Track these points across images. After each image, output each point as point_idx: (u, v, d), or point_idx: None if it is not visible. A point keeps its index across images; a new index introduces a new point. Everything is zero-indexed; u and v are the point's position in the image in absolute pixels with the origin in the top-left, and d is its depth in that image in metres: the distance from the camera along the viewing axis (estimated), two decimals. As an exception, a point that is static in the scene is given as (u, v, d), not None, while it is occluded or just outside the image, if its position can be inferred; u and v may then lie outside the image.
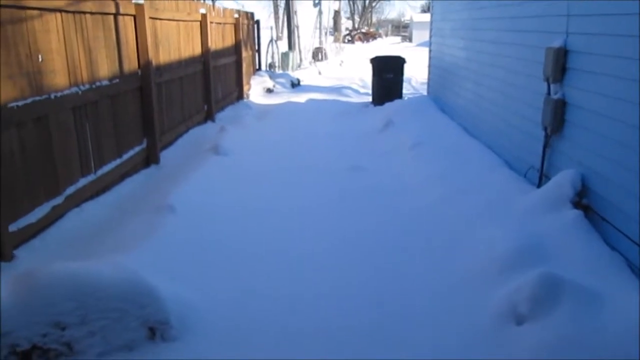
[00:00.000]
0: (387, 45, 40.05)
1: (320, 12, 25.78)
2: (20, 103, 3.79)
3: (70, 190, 4.47)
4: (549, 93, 4.73)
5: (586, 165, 4.13)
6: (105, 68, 5.16)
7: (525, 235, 3.75)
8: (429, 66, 10.98)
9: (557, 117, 4.55)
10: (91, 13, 4.84)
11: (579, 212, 3.91)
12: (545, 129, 4.76)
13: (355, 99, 13.22)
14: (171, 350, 2.86)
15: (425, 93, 11.65)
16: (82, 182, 4.67)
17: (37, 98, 4.01)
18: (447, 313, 3.27)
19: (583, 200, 4.05)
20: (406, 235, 4.47)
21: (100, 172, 5.00)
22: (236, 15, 11.51)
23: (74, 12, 4.54)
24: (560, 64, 4.53)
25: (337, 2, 37.40)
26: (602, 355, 2.49)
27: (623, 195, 3.59)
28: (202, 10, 8.74)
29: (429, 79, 11.11)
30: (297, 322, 3.20)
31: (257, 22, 15.27)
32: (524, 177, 5.28)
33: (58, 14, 4.30)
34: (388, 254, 4.13)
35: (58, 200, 4.26)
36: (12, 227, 3.70)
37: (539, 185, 4.86)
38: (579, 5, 4.34)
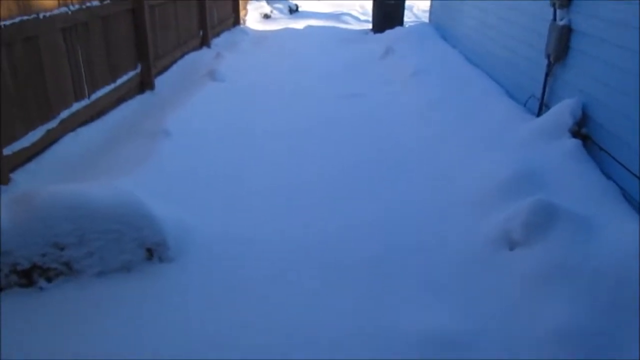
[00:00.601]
0: (389, -29, 38.57)
1: None
2: (7, 22, 3.66)
3: (65, 114, 4.41)
4: (554, 19, 4.59)
5: (588, 93, 4.06)
6: (95, -13, 4.95)
7: (522, 164, 3.74)
8: (432, -8, 10.62)
9: (562, 44, 4.43)
10: None
11: (577, 141, 3.89)
12: (548, 56, 4.64)
13: (355, 26, 12.86)
14: (168, 270, 2.91)
15: (427, 21, 11.32)
16: (76, 106, 4.60)
17: (25, 17, 3.87)
18: (443, 239, 3.31)
19: (582, 129, 4.02)
20: (406, 165, 4.46)
21: (94, 96, 4.91)
22: None
23: None
24: (568, -13, 4.36)
25: None
26: (594, 280, 2.54)
27: (623, 123, 3.56)
28: None
29: (431, 5, 10.77)
30: (295, 256, 3.14)
31: (254, -58, 14.59)
32: (523, 106, 5.21)
33: None
34: (388, 183, 4.13)
35: (52, 124, 4.21)
36: (7, 151, 3.67)
37: (538, 114, 4.81)
38: None
